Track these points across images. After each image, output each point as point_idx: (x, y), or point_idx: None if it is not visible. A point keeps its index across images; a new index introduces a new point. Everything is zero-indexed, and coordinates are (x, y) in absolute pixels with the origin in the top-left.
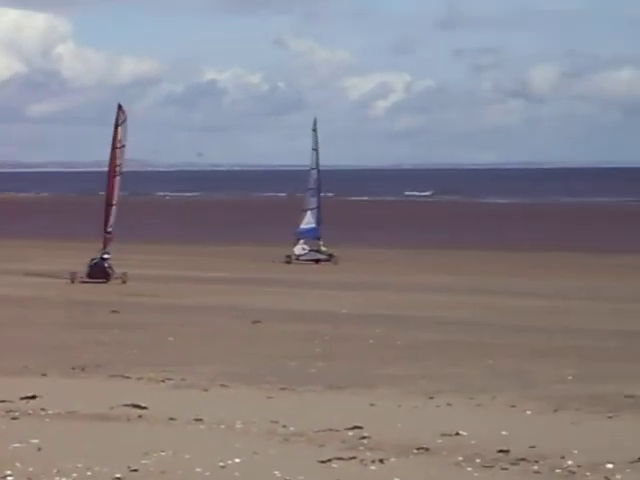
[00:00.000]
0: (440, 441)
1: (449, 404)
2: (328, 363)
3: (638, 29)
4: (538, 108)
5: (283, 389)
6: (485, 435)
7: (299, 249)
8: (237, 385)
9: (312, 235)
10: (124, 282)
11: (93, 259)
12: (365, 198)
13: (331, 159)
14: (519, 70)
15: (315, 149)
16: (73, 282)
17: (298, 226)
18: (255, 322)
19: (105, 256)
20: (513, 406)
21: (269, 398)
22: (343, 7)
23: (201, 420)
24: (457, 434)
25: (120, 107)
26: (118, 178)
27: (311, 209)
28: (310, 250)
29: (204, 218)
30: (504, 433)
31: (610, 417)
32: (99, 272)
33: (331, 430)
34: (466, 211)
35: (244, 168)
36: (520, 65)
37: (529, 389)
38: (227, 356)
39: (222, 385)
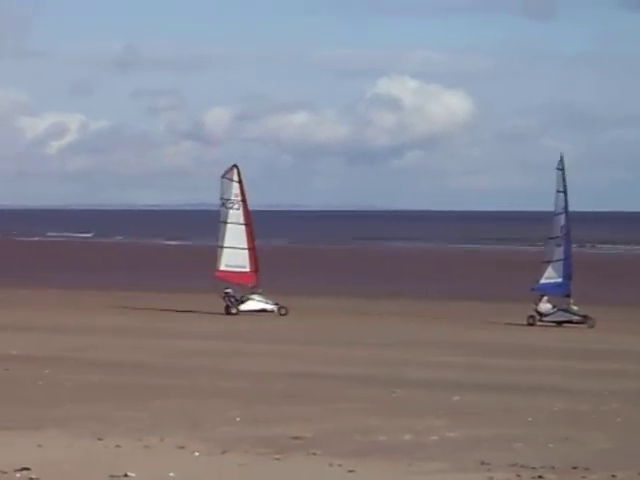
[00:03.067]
0: None
1: (118, 445)
2: None
3: (312, 74)
4: (213, 150)
5: None
6: (153, 476)
7: (546, 307)
8: None
9: (558, 292)
10: None
11: None
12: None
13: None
14: (195, 112)
15: (562, 191)
16: None
17: (537, 280)
18: None
19: None
20: (182, 447)
21: None
22: (18, 48)
23: None
24: (126, 475)
25: None
26: None
27: (556, 260)
28: (559, 309)
29: None
30: (172, 474)
31: (277, 458)
32: None
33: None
34: (125, 252)
35: None
36: (196, 108)
37: (197, 431)
38: None
39: None
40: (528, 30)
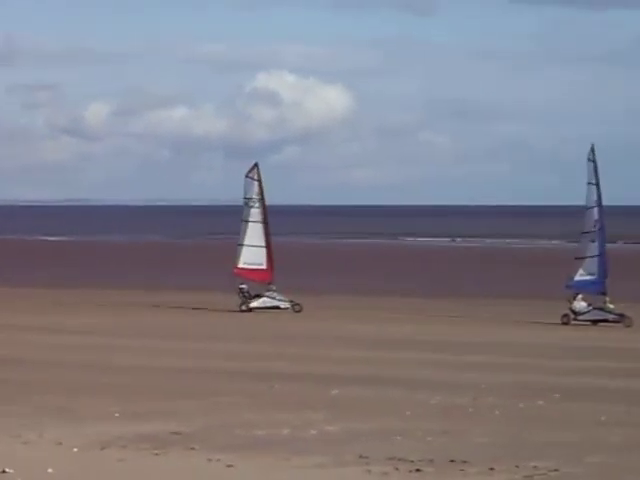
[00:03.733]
0: None
1: None
2: None
3: (191, 68)
4: (92, 145)
5: None
6: (31, 472)
7: (581, 305)
8: None
9: (594, 290)
10: None
11: None
12: None
13: None
14: (74, 107)
15: (594, 183)
16: None
17: (571, 277)
18: None
19: None
20: (60, 443)
21: None
22: None
23: None
24: (3, 472)
25: None
26: None
27: (590, 257)
28: (594, 308)
29: None
30: (50, 470)
31: (157, 454)
32: None
33: None
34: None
35: None
36: (75, 102)
37: (76, 426)
38: None
39: None
40: (409, 25)
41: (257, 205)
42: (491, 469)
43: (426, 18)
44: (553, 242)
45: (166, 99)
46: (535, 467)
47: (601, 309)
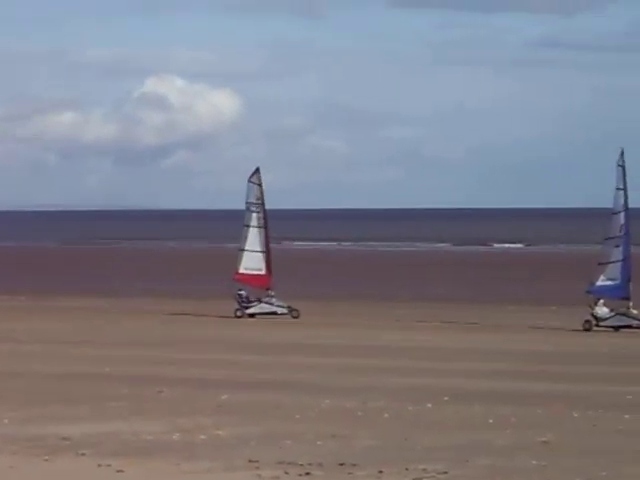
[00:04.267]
0: None
1: None
2: None
3: (80, 73)
4: None
5: None
6: None
7: (603, 311)
8: None
9: (616, 295)
10: None
11: None
12: None
13: None
14: None
15: (622, 188)
16: None
17: (592, 283)
18: None
19: None
20: None
21: None
22: None
23: None
24: None
25: None
26: None
27: (614, 262)
28: (617, 313)
29: None
30: None
31: (47, 459)
32: None
33: None
34: None
35: None
36: None
37: None
38: None
39: None
40: (297, 29)
41: (258, 210)
42: (380, 472)
43: (315, 21)
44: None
45: (55, 104)
46: (424, 470)
47: (624, 314)
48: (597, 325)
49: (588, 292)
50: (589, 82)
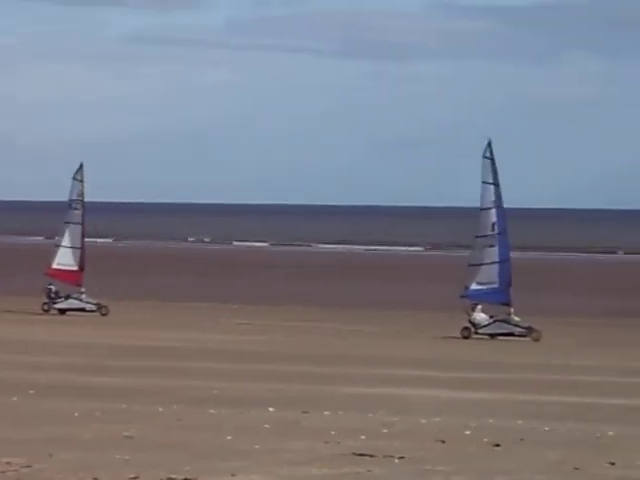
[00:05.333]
0: None
1: None
2: None
3: None
4: None
5: None
6: None
7: (481, 317)
8: None
9: (495, 300)
10: None
11: None
12: None
13: None
14: None
15: (491, 182)
16: None
17: (466, 286)
18: None
19: None
20: None
21: None
22: None
23: None
24: None
25: None
26: None
27: (488, 263)
28: (496, 320)
29: None
30: None
31: None
32: None
33: None
34: None
35: None
36: None
37: None
38: None
39: None
40: None
41: (79, 207)
42: None
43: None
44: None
45: None
46: (8, 463)
47: (505, 321)
48: (476, 332)
49: (463, 297)
50: (188, 77)
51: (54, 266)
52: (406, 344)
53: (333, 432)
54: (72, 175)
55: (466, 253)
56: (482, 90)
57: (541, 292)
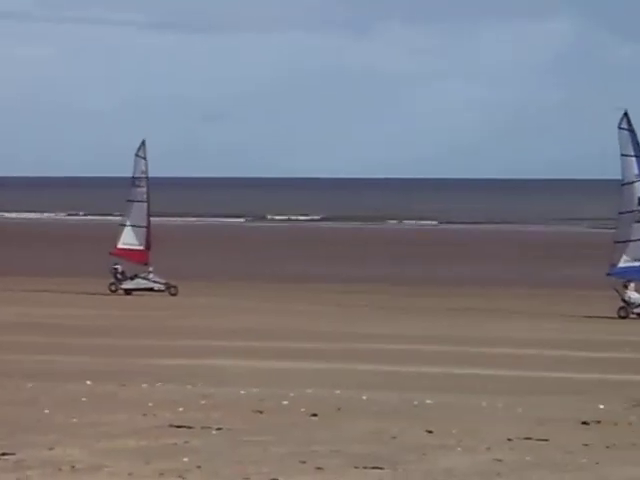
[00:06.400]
0: None
1: None
2: None
3: None
4: None
5: None
6: None
7: (635, 296)
8: None
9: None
10: None
11: None
12: None
13: None
14: None
15: (632, 155)
16: None
17: (613, 264)
18: None
19: None
20: None
21: None
22: None
23: None
24: None
25: None
26: None
27: (636, 240)
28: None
29: None
30: None
31: None
32: None
33: None
34: None
35: None
36: None
37: None
38: None
39: None
40: None
41: (142, 184)
42: None
43: None
44: None
45: None
46: None
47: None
48: (633, 312)
49: (609, 275)
50: None
51: (120, 245)
52: (228, 315)
53: (151, 404)
54: (135, 152)
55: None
56: (294, 61)
57: None
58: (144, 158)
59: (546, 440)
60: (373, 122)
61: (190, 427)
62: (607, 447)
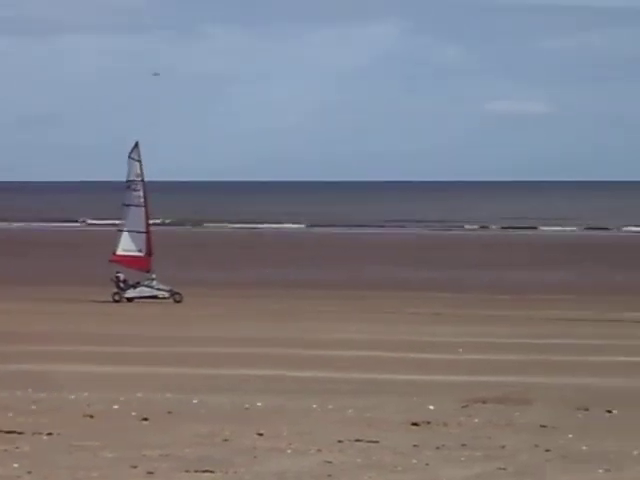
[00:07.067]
0: None
1: None
2: None
3: None
4: None
5: None
6: None
7: None
8: None
9: None
10: None
11: None
12: None
13: None
14: None
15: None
16: None
17: None
18: None
19: None
20: None
21: None
22: None
23: None
24: None
25: None
26: None
27: None
28: None
29: None
30: None
31: None
32: None
33: None
34: None
35: None
36: None
37: None
38: None
39: None
40: None
41: (138, 188)
42: None
43: None
44: None
45: None
46: None
47: None
48: None
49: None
50: None
51: (119, 252)
52: (64, 319)
53: None
54: (128, 154)
55: None
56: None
57: None
58: (139, 160)
59: (376, 442)
60: (197, 124)
61: (20, 433)
62: (437, 448)
